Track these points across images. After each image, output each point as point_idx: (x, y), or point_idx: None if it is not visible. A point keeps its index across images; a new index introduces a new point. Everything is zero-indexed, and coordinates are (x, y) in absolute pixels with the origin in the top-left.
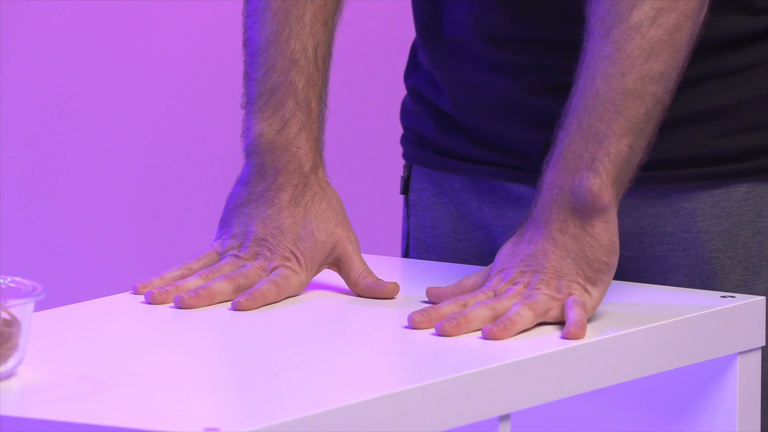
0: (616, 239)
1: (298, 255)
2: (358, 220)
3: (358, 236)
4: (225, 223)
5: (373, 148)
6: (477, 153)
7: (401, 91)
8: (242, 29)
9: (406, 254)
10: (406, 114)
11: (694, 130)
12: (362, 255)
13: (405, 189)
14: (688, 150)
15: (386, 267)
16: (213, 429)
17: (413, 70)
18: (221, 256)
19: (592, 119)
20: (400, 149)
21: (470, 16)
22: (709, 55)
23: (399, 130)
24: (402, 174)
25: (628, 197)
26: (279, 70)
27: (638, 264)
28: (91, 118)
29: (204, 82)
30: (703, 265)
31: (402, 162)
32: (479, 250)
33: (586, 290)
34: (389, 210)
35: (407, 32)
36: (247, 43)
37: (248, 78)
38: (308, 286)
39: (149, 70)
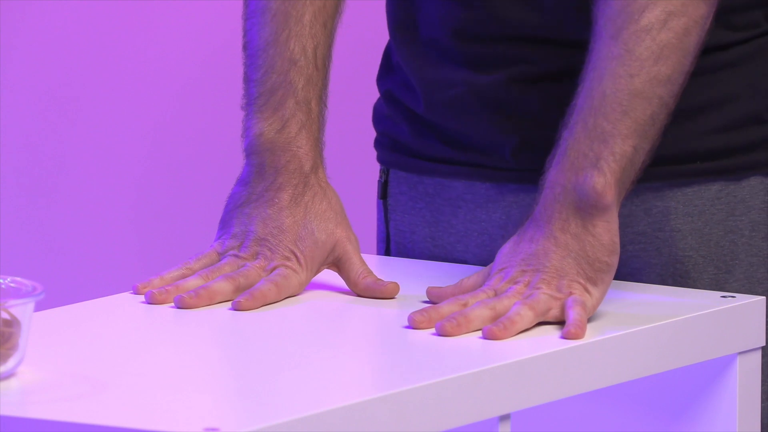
0: (617, 239)
1: (299, 254)
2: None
3: None
4: (225, 224)
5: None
6: (450, 154)
7: (374, 94)
8: (242, 32)
9: None
10: (379, 118)
11: (666, 129)
12: (362, 255)
13: (383, 193)
14: (661, 149)
15: (386, 267)
16: (213, 429)
17: (387, 74)
18: (221, 256)
19: (598, 119)
20: (374, 153)
21: (445, 14)
22: None
23: (372, 134)
24: (379, 178)
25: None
26: (278, 71)
27: None
28: (91, 118)
29: (204, 83)
30: (675, 264)
31: (377, 166)
32: (454, 257)
33: (586, 290)
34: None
35: (379, 35)
36: (246, 45)
37: (248, 79)
38: (308, 286)
39: (149, 70)
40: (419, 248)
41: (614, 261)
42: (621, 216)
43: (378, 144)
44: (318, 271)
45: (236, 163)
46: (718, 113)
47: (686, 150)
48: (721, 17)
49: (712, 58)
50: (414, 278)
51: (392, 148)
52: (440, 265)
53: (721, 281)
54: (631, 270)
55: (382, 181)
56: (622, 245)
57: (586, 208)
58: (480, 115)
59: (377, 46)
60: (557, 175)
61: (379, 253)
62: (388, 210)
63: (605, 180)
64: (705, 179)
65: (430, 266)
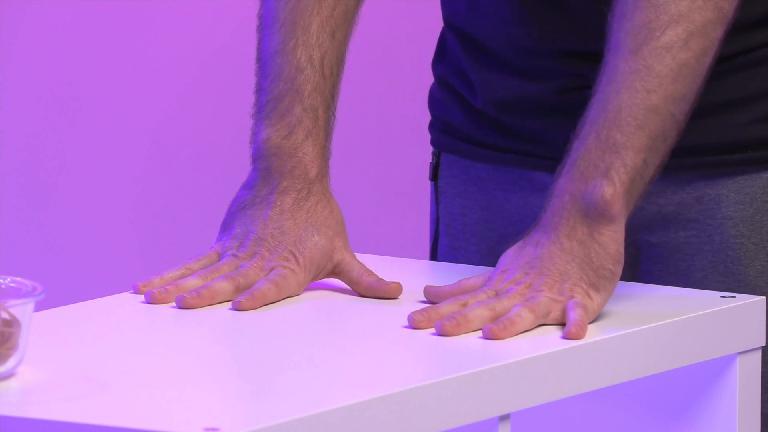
0: (623, 249)
1: (298, 255)
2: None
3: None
4: (227, 225)
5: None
6: (504, 142)
7: (430, 79)
8: (256, 45)
9: (435, 240)
10: (433, 102)
11: (718, 119)
12: (371, 255)
13: (434, 175)
14: (712, 138)
15: (385, 267)
16: (213, 429)
17: (441, 59)
18: (221, 256)
19: (611, 131)
20: (427, 137)
21: (499, 29)
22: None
23: (427, 118)
24: (431, 161)
25: (651, 184)
26: (285, 78)
27: (663, 250)
28: (91, 118)
29: (204, 83)
30: (727, 250)
31: (429, 149)
32: (507, 240)
33: (588, 295)
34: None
35: (436, 19)
36: (258, 57)
37: (258, 88)
38: (309, 285)
39: (149, 70)
40: (471, 231)
41: (618, 270)
42: (673, 204)
43: (432, 127)
44: (317, 275)
45: (236, 163)
46: (767, 103)
47: (737, 139)
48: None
49: (759, 52)
50: (420, 278)
51: (445, 132)
52: (447, 266)
53: None
54: (683, 256)
55: (434, 163)
56: (674, 231)
57: (593, 216)
58: (534, 114)
59: (433, 28)
60: (566, 183)
61: (430, 235)
62: (439, 192)
63: (614, 190)
64: (756, 168)
65: (437, 267)
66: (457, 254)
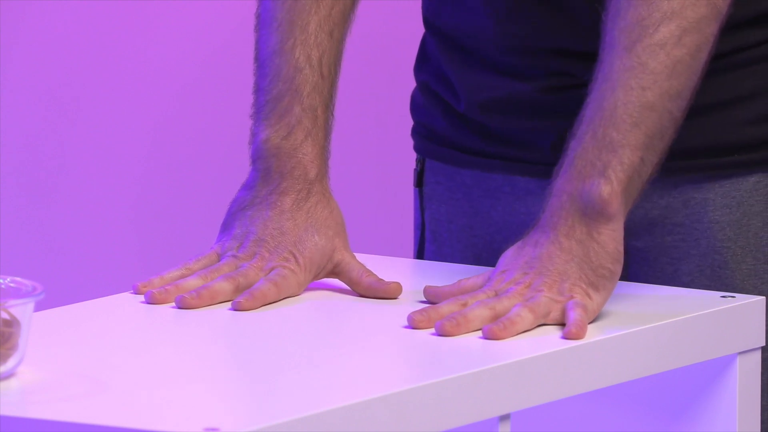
0: (622, 248)
1: (298, 256)
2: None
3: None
4: (226, 226)
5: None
6: (489, 147)
7: (412, 83)
8: (254, 45)
9: (420, 246)
10: (416, 108)
11: (704, 121)
12: (372, 255)
13: (419, 182)
14: (699, 141)
15: (384, 267)
16: (213, 429)
17: (423, 64)
18: (221, 256)
19: (607, 129)
20: (410, 142)
21: (489, 28)
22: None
23: (410, 123)
24: (415, 167)
25: (649, 183)
26: (284, 78)
27: (649, 254)
28: (91, 118)
29: (204, 83)
30: (713, 254)
31: (413, 155)
32: (493, 247)
33: (588, 294)
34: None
35: (418, 23)
36: (256, 56)
37: (256, 88)
38: (309, 285)
39: (149, 70)
40: (456, 237)
41: (618, 269)
42: (659, 207)
43: (415, 133)
44: (316, 275)
45: (236, 163)
46: (755, 105)
47: (723, 142)
48: (762, 20)
49: (747, 53)
50: (422, 279)
51: (428, 138)
52: (451, 266)
53: (760, 272)
54: (670, 260)
55: (418, 170)
56: (661, 236)
57: (591, 215)
58: (520, 115)
59: (416, 32)
60: (564, 183)
61: (414, 241)
62: (424, 198)
63: (612, 188)
64: (743, 171)
65: (440, 267)
66: (443, 261)
